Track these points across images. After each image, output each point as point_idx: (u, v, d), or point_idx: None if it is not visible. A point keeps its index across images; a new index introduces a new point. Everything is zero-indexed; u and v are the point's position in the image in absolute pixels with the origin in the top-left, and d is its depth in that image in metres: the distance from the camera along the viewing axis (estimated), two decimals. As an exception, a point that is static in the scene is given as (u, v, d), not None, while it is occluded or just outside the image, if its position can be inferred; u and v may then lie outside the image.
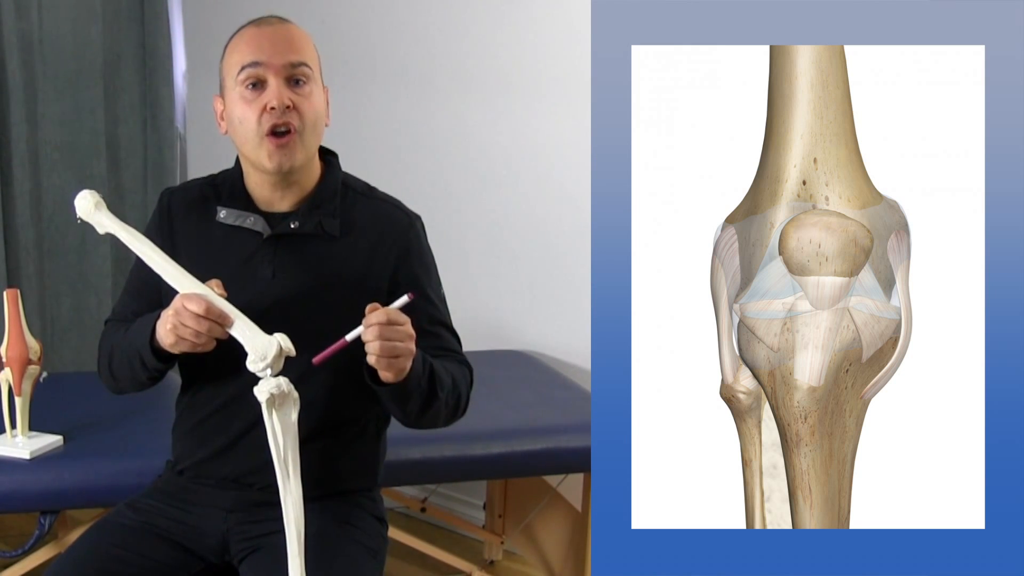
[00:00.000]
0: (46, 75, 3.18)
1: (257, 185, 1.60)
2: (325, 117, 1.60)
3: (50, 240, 3.26)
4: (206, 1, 3.39)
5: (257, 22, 1.57)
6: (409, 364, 1.45)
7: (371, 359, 1.42)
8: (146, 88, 3.37)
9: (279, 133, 1.52)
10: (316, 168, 1.63)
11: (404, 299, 1.43)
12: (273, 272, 1.58)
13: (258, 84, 1.53)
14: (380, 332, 1.40)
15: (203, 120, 3.47)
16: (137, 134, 3.39)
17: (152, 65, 3.34)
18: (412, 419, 1.58)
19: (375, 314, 1.41)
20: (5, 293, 1.94)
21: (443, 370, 1.57)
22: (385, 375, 1.45)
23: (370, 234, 1.62)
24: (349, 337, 1.42)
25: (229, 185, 1.63)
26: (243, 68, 1.52)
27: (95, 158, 3.29)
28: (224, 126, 1.59)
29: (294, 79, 1.54)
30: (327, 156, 1.66)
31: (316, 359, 1.41)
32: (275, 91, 1.52)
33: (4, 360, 1.96)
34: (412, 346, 1.44)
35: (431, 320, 1.64)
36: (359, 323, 1.43)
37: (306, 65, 1.55)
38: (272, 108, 1.51)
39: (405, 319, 1.43)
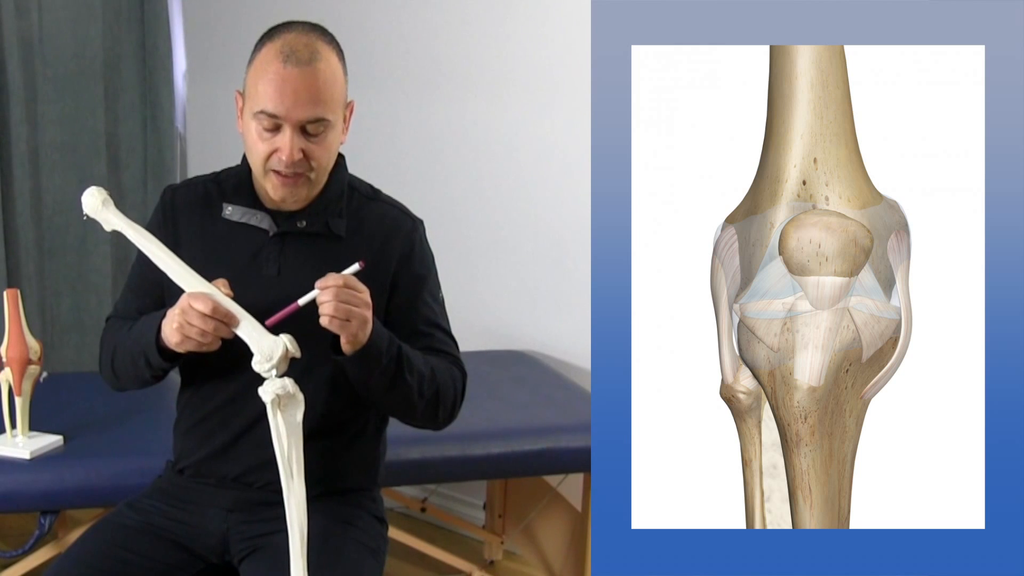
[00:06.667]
0: (46, 75, 3.17)
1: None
2: (341, 139, 1.58)
3: (50, 240, 3.26)
4: (206, 1, 3.39)
5: (286, 53, 1.48)
6: (366, 334, 1.46)
7: (324, 320, 1.43)
8: (146, 88, 3.37)
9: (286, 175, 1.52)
10: None
11: (355, 267, 1.44)
12: (279, 270, 1.59)
13: (274, 127, 1.50)
14: (336, 294, 1.41)
15: (203, 120, 3.47)
16: (137, 134, 3.39)
17: (152, 65, 3.34)
18: (379, 399, 1.57)
19: (332, 277, 1.42)
20: (5, 293, 1.94)
21: (420, 359, 1.57)
22: (343, 343, 1.46)
23: (374, 236, 1.63)
24: (301, 301, 1.43)
25: (235, 182, 1.62)
26: (261, 111, 1.49)
27: (95, 158, 3.29)
28: (241, 125, 1.57)
29: (310, 131, 1.51)
30: None
31: (269, 321, 1.43)
32: (287, 143, 1.49)
33: (4, 360, 1.96)
34: (368, 313, 1.45)
35: (427, 322, 1.65)
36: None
37: (325, 119, 1.51)
38: (281, 158, 1.50)
39: (364, 288, 1.44)
